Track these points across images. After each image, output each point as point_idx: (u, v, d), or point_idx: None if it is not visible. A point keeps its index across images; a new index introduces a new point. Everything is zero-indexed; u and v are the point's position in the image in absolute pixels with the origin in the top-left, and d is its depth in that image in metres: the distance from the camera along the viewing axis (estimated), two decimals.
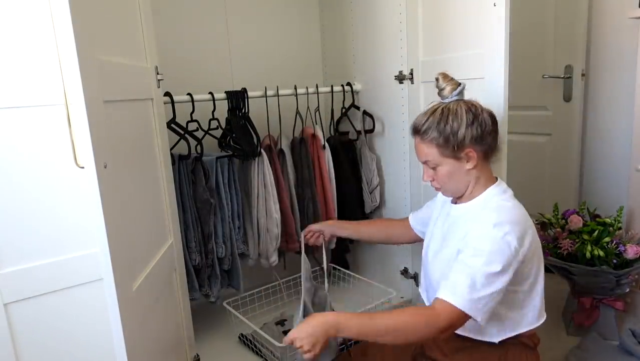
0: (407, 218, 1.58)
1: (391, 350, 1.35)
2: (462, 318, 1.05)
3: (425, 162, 1.22)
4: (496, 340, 1.19)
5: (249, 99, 1.82)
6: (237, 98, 1.81)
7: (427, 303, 1.32)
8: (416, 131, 1.20)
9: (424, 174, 1.24)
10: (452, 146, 1.15)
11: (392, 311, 1.14)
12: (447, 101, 1.19)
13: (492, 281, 1.05)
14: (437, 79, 1.23)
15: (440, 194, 1.37)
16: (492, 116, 1.21)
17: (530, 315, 1.19)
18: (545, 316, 1.23)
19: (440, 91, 1.21)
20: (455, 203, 1.28)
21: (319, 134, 1.99)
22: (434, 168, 1.21)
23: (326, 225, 1.73)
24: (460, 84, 1.20)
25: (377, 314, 1.17)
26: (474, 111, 1.16)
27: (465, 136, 1.14)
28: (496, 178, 1.25)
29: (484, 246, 1.07)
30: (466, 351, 1.22)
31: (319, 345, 1.08)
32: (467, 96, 1.57)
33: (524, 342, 1.22)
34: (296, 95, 1.94)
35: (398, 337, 1.08)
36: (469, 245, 1.10)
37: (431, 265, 1.30)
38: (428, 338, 1.17)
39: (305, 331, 1.09)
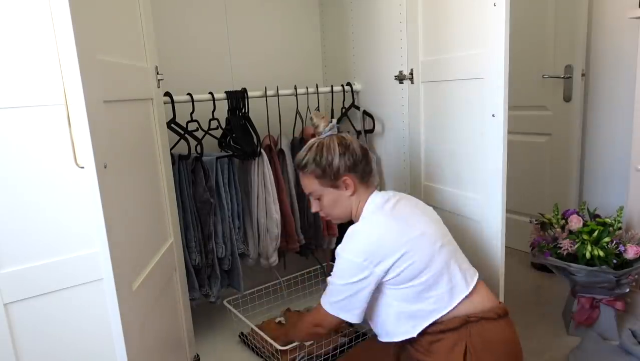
0: None
1: (374, 354, 1.42)
2: (330, 316, 1.28)
3: (310, 194, 1.39)
4: (414, 333, 1.25)
5: (249, 99, 1.83)
6: (237, 98, 1.81)
7: None
8: (298, 166, 1.37)
9: (312, 206, 1.41)
10: (329, 176, 1.32)
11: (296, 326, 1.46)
12: (322, 136, 1.37)
13: (343, 292, 1.24)
14: (311, 119, 1.42)
15: None
16: (362, 147, 1.37)
17: (445, 298, 1.24)
18: (472, 284, 1.27)
19: (315, 128, 1.41)
20: None
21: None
22: (318, 199, 1.37)
23: None
24: (331, 121, 1.39)
25: (290, 333, 1.56)
26: (345, 143, 1.34)
27: (340, 166, 1.31)
28: (374, 192, 1.38)
29: (337, 267, 1.27)
30: (437, 342, 1.25)
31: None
32: (467, 96, 1.57)
33: (484, 317, 1.23)
34: (296, 95, 1.94)
35: (304, 335, 1.47)
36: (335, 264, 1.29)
37: None
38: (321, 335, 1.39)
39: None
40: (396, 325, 1.28)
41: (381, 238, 1.24)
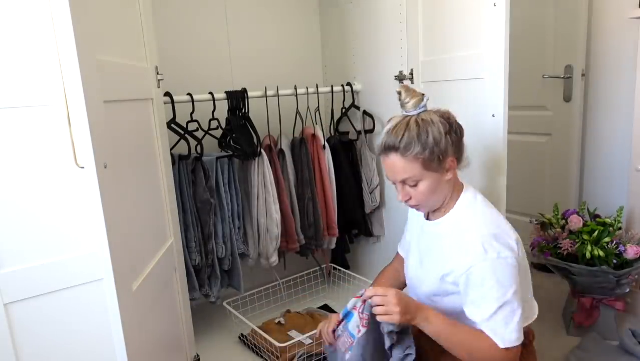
0: (397, 252, 1.49)
1: None
2: (514, 351, 1.06)
3: (403, 181, 1.14)
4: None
5: (249, 99, 1.83)
6: (237, 98, 1.81)
7: None
8: (393, 148, 1.11)
9: (400, 194, 1.17)
10: (437, 157, 1.10)
11: (474, 332, 1.07)
12: (413, 112, 1.14)
13: (514, 302, 1.05)
14: (399, 93, 1.17)
15: (410, 211, 1.34)
16: (459, 124, 1.19)
17: (526, 311, 1.18)
18: (537, 310, 1.24)
19: (404, 104, 1.16)
20: (428, 219, 1.25)
21: (319, 134, 1.99)
22: (414, 185, 1.14)
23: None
24: (424, 95, 1.15)
25: (459, 328, 1.09)
26: (447, 118, 1.14)
27: (447, 145, 1.11)
28: (462, 184, 1.22)
29: (490, 276, 1.04)
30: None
31: (395, 315, 1.04)
32: (467, 96, 1.57)
33: None
34: (296, 95, 1.94)
35: (461, 355, 1.08)
36: (477, 282, 1.06)
37: (413, 281, 1.28)
38: None
39: (396, 297, 1.06)
40: None
41: (504, 224, 1.12)
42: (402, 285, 1.39)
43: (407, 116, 1.14)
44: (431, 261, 1.21)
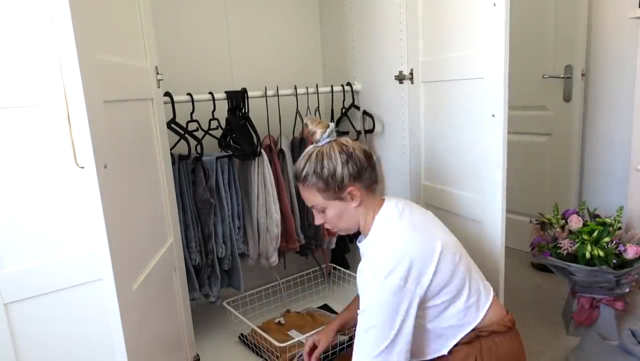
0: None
1: None
2: None
3: (312, 207, 1.26)
4: (445, 351, 1.20)
5: (249, 99, 1.83)
6: (237, 98, 1.81)
7: None
8: (297, 178, 1.24)
9: (315, 218, 1.28)
10: (333, 189, 1.18)
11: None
12: (320, 144, 1.22)
13: (392, 326, 1.07)
14: (306, 125, 1.26)
15: None
16: (366, 152, 1.25)
17: (472, 310, 1.19)
18: (491, 292, 1.24)
19: (311, 136, 1.24)
20: (359, 242, 1.31)
21: None
22: (322, 212, 1.24)
23: (326, 339, 1.50)
24: (329, 125, 1.23)
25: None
26: (347, 150, 1.20)
27: (344, 176, 1.18)
28: (383, 201, 1.26)
29: (368, 298, 1.09)
30: (447, 356, 1.21)
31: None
32: (467, 96, 1.57)
33: (494, 330, 1.21)
34: (296, 95, 1.94)
35: None
36: (360, 298, 1.12)
37: None
38: None
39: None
40: (425, 345, 1.20)
41: (413, 251, 1.12)
42: None
43: (316, 147, 1.24)
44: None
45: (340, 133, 2.13)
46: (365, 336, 1.09)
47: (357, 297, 1.47)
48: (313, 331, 1.69)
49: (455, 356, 1.20)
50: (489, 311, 1.21)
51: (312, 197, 1.23)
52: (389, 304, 1.07)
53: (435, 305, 1.15)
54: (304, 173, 1.21)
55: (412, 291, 1.09)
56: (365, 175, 1.22)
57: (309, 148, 1.26)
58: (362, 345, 1.10)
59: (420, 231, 1.18)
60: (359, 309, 1.17)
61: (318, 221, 1.27)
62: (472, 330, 1.19)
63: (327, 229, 1.98)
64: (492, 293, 1.25)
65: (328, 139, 1.23)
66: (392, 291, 1.07)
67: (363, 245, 1.26)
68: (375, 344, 1.08)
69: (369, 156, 1.25)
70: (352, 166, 1.19)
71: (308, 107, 1.98)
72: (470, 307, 1.19)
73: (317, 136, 1.23)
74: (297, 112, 1.97)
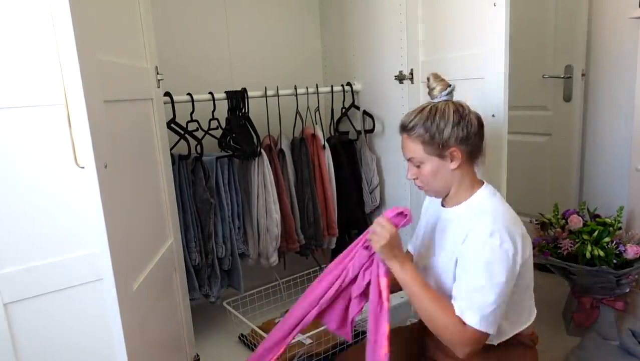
0: (407, 250, 1.49)
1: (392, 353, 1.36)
2: (481, 336, 1.07)
3: (410, 160, 1.22)
4: (495, 342, 1.18)
5: (249, 99, 1.82)
6: (237, 98, 1.81)
7: None
8: (403, 127, 1.21)
9: (408, 172, 1.24)
10: (437, 144, 1.16)
11: (443, 305, 1.10)
12: (436, 100, 1.20)
13: (498, 292, 1.05)
14: (428, 79, 1.24)
15: (425, 206, 1.38)
16: (479, 119, 1.21)
17: (525, 314, 1.21)
18: (535, 312, 1.24)
19: (430, 91, 1.22)
20: (444, 207, 1.27)
21: (319, 134, 1.99)
22: (418, 166, 1.21)
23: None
24: (450, 85, 1.21)
25: (429, 294, 1.12)
26: (461, 111, 1.17)
27: (451, 136, 1.15)
28: (482, 181, 1.24)
29: (484, 257, 1.06)
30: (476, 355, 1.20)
31: (379, 242, 1.13)
32: (467, 95, 1.57)
33: (522, 342, 1.22)
34: (296, 95, 1.94)
35: (425, 320, 1.13)
36: (470, 257, 1.09)
37: (422, 271, 1.27)
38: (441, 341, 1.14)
39: (390, 231, 1.14)
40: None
41: (522, 231, 1.13)
42: None
43: (430, 102, 1.21)
44: (443, 247, 1.22)
45: (340, 134, 2.13)
46: (473, 296, 1.07)
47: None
48: (310, 333, 1.69)
49: (482, 358, 1.18)
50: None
51: (414, 148, 1.18)
52: (501, 269, 1.06)
53: (514, 293, 1.14)
54: (412, 123, 1.17)
55: (518, 263, 1.09)
56: (472, 141, 1.18)
57: (424, 103, 1.22)
58: (470, 304, 1.06)
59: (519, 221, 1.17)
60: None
61: (411, 175, 1.23)
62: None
63: (327, 223, 1.99)
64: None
65: (446, 98, 1.20)
66: (507, 258, 1.06)
67: (454, 210, 1.22)
68: (484, 304, 1.05)
69: (481, 125, 1.22)
70: (462, 128, 1.16)
71: (308, 107, 1.98)
72: (530, 307, 1.22)
73: (436, 92, 1.21)
74: (297, 112, 1.97)
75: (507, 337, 1.18)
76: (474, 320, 1.05)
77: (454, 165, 1.17)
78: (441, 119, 1.15)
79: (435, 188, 1.23)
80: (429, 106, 1.19)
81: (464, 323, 1.06)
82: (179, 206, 1.61)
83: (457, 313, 1.07)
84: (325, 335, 1.74)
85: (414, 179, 1.24)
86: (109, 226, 0.94)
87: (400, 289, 1.22)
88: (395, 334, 1.25)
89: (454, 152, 1.16)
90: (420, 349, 1.33)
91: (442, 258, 1.21)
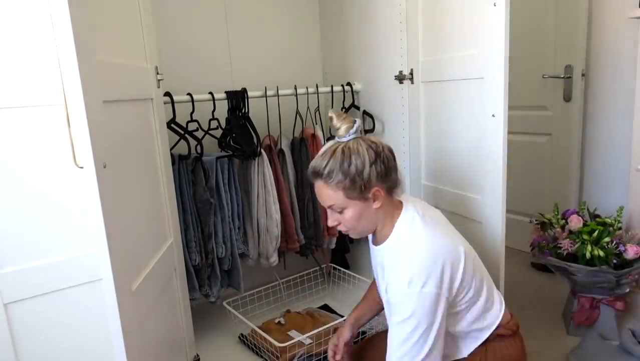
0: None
1: (373, 353, 1.38)
2: None
3: (330, 207, 1.17)
4: (466, 353, 1.20)
5: (249, 99, 1.82)
6: (237, 98, 1.81)
7: None
8: (317, 174, 1.14)
9: (329, 219, 1.20)
10: (359, 187, 1.11)
11: None
12: (344, 139, 1.15)
13: (430, 334, 1.06)
14: (331, 118, 1.18)
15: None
16: (392, 152, 1.19)
17: (491, 313, 1.20)
18: (501, 300, 1.24)
19: (335, 130, 1.16)
20: (375, 245, 1.26)
21: (319, 134, 1.99)
22: (340, 212, 1.16)
23: (347, 331, 1.41)
24: (355, 121, 1.15)
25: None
26: (375, 147, 1.14)
27: (371, 175, 1.11)
28: (401, 205, 1.21)
29: (406, 309, 1.07)
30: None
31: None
32: (467, 96, 1.57)
33: (500, 333, 1.21)
34: (296, 95, 1.94)
35: None
36: (394, 309, 1.10)
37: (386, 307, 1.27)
38: None
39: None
40: (451, 347, 1.20)
41: (443, 257, 1.09)
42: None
43: (338, 143, 1.15)
44: (381, 285, 1.23)
45: None
46: (403, 347, 1.07)
47: (370, 293, 1.46)
48: (311, 333, 1.69)
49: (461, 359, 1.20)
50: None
51: (333, 195, 1.13)
52: (428, 313, 1.06)
53: (460, 309, 1.15)
54: (327, 170, 1.12)
55: (445, 297, 1.08)
56: (392, 176, 1.17)
57: (330, 144, 1.17)
58: (401, 355, 1.08)
59: (444, 236, 1.15)
60: (377, 307, 1.25)
61: (332, 222, 1.19)
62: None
63: (329, 228, 1.98)
64: (501, 294, 1.25)
65: (354, 135, 1.15)
66: (431, 300, 1.06)
67: (382, 249, 1.21)
68: (416, 353, 1.06)
69: (394, 157, 1.19)
70: (380, 165, 1.13)
71: (308, 107, 1.98)
72: (489, 308, 1.19)
73: (342, 132, 1.15)
74: (297, 112, 1.97)
75: (478, 344, 1.19)
76: None
77: (377, 204, 1.15)
78: (357, 159, 1.11)
79: (361, 230, 1.21)
80: (340, 147, 1.13)
81: None
82: (179, 206, 1.61)
83: None
84: (326, 335, 1.74)
85: (336, 225, 1.20)
86: (108, 226, 0.94)
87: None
88: (383, 340, 1.26)
89: (376, 192, 1.14)
90: None
91: (383, 297, 1.21)
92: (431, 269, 1.07)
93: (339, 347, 1.36)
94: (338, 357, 1.35)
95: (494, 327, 1.19)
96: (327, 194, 1.14)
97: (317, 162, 1.15)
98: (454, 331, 1.17)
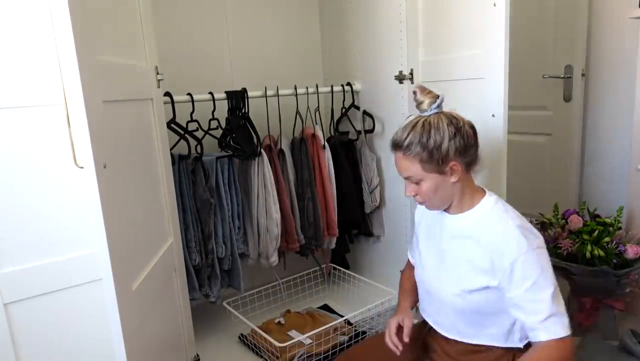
0: (408, 259, 1.50)
1: (374, 353, 1.35)
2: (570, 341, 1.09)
3: (407, 178, 1.19)
4: (521, 344, 1.19)
5: (249, 99, 1.82)
6: (237, 98, 1.81)
7: (436, 328, 1.30)
8: (397, 146, 1.17)
9: (406, 190, 1.21)
10: (436, 161, 1.13)
11: (538, 354, 1.10)
12: (426, 114, 1.17)
13: (558, 289, 1.11)
14: (414, 92, 1.20)
15: (418, 213, 1.37)
16: (473, 128, 1.19)
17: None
18: None
19: (418, 105, 1.19)
20: (447, 213, 1.25)
21: (319, 134, 1.99)
22: (417, 183, 1.18)
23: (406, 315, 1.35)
24: (438, 96, 1.17)
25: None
26: (456, 123, 1.15)
27: (449, 150, 1.13)
28: (483, 189, 1.23)
29: (536, 270, 1.09)
30: (472, 355, 1.21)
31: None
32: (467, 96, 1.57)
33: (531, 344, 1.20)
34: (296, 95, 1.94)
35: None
36: (523, 281, 1.09)
37: (433, 283, 1.26)
38: None
39: None
40: (507, 335, 1.19)
41: (524, 220, 1.17)
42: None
43: (420, 116, 1.17)
44: (456, 257, 1.21)
45: (341, 133, 2.13)
46: (552, 306, 1.09)
47: (407, 281, 1.43)
48: (310, 333, 1.68)
49: (486, 356, 1.20)
50: None
51: (412, 167, 1.15)
52: (548, 266, 1.11)
53: None
54: (407, 142, 1.14)
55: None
56: (470, 152, 1.17)
57: (412, 117, 1.19)
58: (551, 306, 1.09)
59: None
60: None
61: (409, 192, 1.20)
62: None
63: (327, 223, 1.99)
64: None
65: (436, 110, 1.16)
66: (545, 256, 1.12)
67: (462, 218, 1.21)
68: (559, 300, 1.11)
69: (476, 133, 1.19)
70: (459, 140, 1.13)
71: (308, 107, 1.98)
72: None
73: (425, 105, 1.17)
74: (297, 112, 1.97)
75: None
76: (563, 329, 1.08)
77: (454, 179, 1.16)
78: (437, 134, 1.12)
79: (437, 203, 1.22)
80: (421, 121, 1.15)
81: (558, 341, 1.07)
82: (179, 206, 1.61)
83: (550, 337, 1.08)
84: (326, 335, 1.74)
85: (413, 195, 1.21)
86: (109, 226, 0.94)
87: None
88: (382, 342, 1.26)
89: (453, 166, 1.14)
90: (424, 350, 1.33)
91: (456, 269, 1.19)
92: (526, 226, 1.14)
93: (406, 334, 1.29)
94: (407, 339, 1.28)
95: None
96: (405, 165, 1.17)
97: (398, 134, 1.17)
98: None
